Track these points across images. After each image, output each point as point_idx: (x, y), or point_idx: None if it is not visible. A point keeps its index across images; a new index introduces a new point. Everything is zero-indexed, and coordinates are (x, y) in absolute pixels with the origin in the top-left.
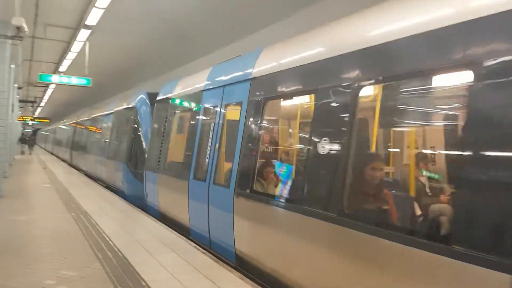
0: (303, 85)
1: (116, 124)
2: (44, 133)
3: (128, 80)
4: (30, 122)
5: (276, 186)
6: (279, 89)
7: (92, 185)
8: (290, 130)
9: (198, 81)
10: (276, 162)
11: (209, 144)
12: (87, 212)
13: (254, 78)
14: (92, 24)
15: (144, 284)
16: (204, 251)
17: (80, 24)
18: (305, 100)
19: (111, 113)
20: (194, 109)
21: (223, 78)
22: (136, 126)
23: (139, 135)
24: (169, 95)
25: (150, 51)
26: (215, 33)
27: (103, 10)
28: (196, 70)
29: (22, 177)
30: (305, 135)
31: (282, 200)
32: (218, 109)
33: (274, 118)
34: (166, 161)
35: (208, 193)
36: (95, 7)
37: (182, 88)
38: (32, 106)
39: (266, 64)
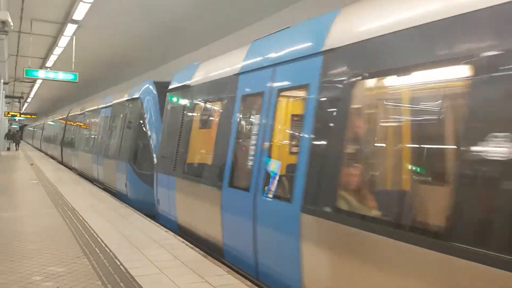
0: (445, 50)
1: (116, 118)
2: (31, 129)
3: (116, 75)
4: (17, 118)
5: (382, 205)
6: (387, 61)
7: (80, 182)
8: (411, 121)
9: (230, 63)
10: (377, 169)
11: (253, 142)
12: (75, 208)
13: (330, 50)
14: (79, 18)
15: (131, 279)
16: (192, 246)
17: (67, 18)
18: (443, 75)
19: (110, 106)
20: (225, 98)
21: (273, 55)
22: (141, 120)
23: (145, 130)
24: (187, 83)
25: (138, 46)
26: (204, 27)
27: (90, 5)
28: (187, 64)
29: (8, 173)
30: (446, 129)
31: (399, 229)
32: (265, 96)
33: (375, 104)
34: (186, 163)
35: (254, 207)
36: (82, 1)
37: (206, 73)
38: (19, 102)
39: (353, 27)
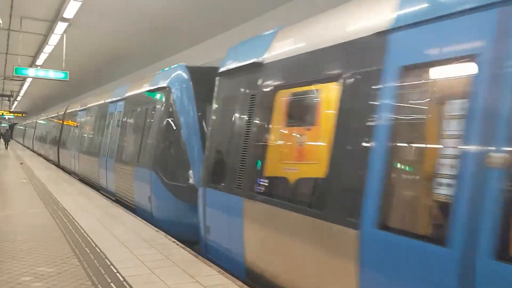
0: None
1: (132, 114)
2: (21, 127)
3: (107, 73)
4: (7, 117)
5: None
6: None
7: (70, 181)
8: None
9: (357, 18)
10: None
11: (452, 150)
12: (65, 208)
13: None
14: (70, 17)
15: (122, 279)
16: (183, 246)
17: (57, 17)
18: None
19: (123, 99)
20: (351, 73)
21: None
22: (170, 116)
23: (177, 129)
24: (258, 59)
25: (129, 45)
26: (195, 27)
27: (80, 3)
28: (181, 60)
29: None
30: None
31: None
32: (482, 62)
33: None
34: (264, 176)
35: (466, 280)
36: None
37: (298, 40)
38: (9, 100)
39: None
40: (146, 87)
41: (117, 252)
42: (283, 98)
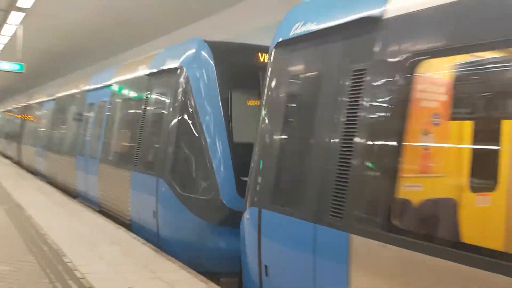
0: None
1: (125, 104)
2: None
3: (67, 65)
4: None
5: None
6: None
7: (27, 177)
8: None
9: None
10: None
11: None
12: (21, 204)
13: None
14: (26, 6)
15: (81, 276)
16: (144, 242)
17: (11, 5)
18: None
19: (106, 86)
20: None
21: None
22: (185, 106)
23: (195, 124)
24: (367, 14)
25: (90, 37)
26: (156, 20)
27: None
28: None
29: None
30: None
31: None
32: None
33: None
34: (402, 202)
35: None
36: None
37: None
38: None
39: None
40: (145, 70)
41: (76, 249)
42: (436, 72)
